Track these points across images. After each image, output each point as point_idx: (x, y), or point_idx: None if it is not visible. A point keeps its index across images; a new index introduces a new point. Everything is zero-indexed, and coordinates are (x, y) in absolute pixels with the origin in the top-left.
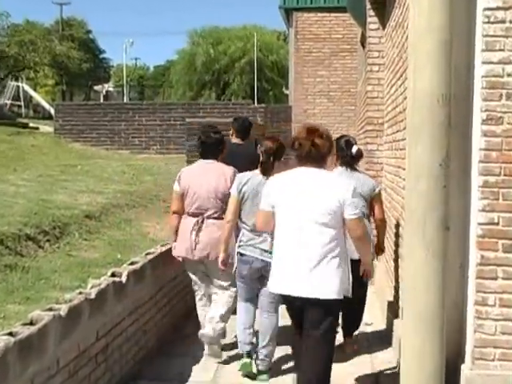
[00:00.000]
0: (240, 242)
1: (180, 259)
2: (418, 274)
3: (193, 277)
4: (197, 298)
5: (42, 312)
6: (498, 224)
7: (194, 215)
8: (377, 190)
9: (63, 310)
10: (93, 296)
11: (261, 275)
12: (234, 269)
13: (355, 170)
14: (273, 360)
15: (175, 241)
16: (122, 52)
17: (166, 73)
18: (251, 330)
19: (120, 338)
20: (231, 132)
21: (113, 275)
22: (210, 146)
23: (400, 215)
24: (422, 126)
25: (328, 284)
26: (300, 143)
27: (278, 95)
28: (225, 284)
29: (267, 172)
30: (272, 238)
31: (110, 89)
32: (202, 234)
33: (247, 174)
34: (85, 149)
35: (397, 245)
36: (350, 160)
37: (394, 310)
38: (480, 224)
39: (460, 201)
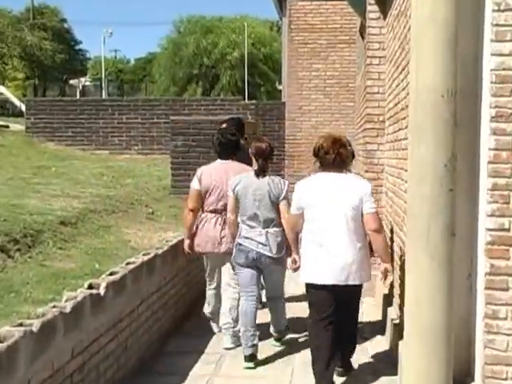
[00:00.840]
0: (239, 234)
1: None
2: (421, 285)
3: (212, 269)
4: (209, 287)
5: (12, 328)
6: (508, 230)
7: (216, 212)
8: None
9: (35, 325)
10: (68, 310)
11: (256, 266)
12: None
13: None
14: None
15: (189, 238)
16: (100, 43)
17: (149, 66)
18: (253, 331)
19: (98, 355)
20: None
21: (90, 287)
22: (227, 147)
23: (402, 221)
24: (426, 124)
25: (361, 271)
26: (326, 152)
27: (270, 91)
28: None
29: (261, 173)
30: (277, 233)
31: (87, 83)
32: (226, 230)
33: (240, 176)
34: (59, 149)
35: (398, 253)
36: None
37: (398, 328)
38: (489, 230)
39: (467, 205)
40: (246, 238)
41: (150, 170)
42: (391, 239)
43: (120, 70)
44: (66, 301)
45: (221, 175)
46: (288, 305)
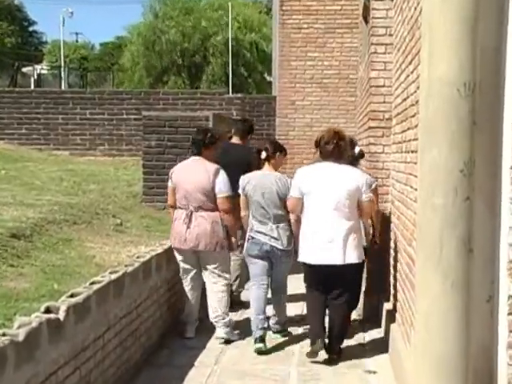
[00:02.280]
0: (251, 229)
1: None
2: (432, 310)
3: (184, 265)
4: (185, 285)
5: None
6: None
7: (183, 208)
8: (373, 186)
9: None
10: (21, 338)
11: (268, 257)
12: (230, 256)
13: (355, 166)
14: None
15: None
16: (59, 24)
17: (117, 53)
18: (263, 316)
19: None
20: (233, 132)
21: (47, 311)
22: (195, 144)
23: (411, 234)
24: (439, 123)
25: (354, 252)
26: (326, 142)
27: (258, 83)
28: (217, 269)
29: (274, 168)
30: (282, 226)
31: (44, 72)
32: (193, 226)
33: (249, 175)
34: (10, 148)
35: (406, 272)
36: (352, 159)
37: (406, 356)
38: None
39: (486, 216)
40: (259, 232)
41: (118, 174)
42: (395, 257)
43: (83, 57)
44: (19, 327)
45: (186, 172)
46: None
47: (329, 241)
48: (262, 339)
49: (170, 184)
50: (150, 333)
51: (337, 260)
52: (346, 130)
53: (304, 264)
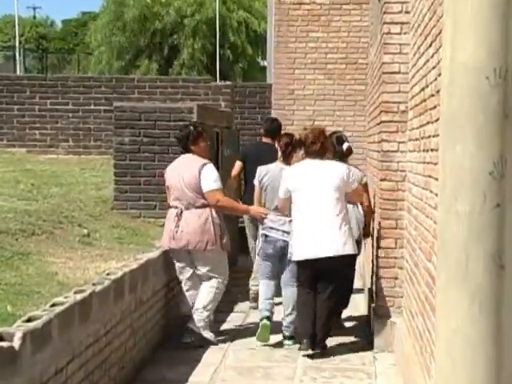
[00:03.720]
0: (264, 225)
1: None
2: (457, 335)
3: (178, 264)
4: (182, 284)
5: None
6: None
7: (174, 207)
8: (364, 180)
9: None
10: None
11: (282, 254)
12: (225, 257)
13: (345, 162)
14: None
15: None
16: None
17: (82, 32)
18: (271, 301)
19: None
20: (263, 132)
21: (0, 338)
22: (181, 142)
23: (431, 248)
24: (464, 116)
25: (345, 244)
26: (312, 142)
27: (249, 69)
28: (211, 272)
29: (286, 161)
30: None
31: None
32: (181, 224)
33: (267, 167)
34: None
35: (426, 293)
36: (340, 156)
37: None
38: None
39: None
40: (272, 228)
41: (84, 176)
42: (412, 274)
43: (41, 36)
44: None
45: (175, 170)
46: None
47: (318, 235)
48: (267, 318)
49: (166, 184)
50: (122, 364)
51: (328, 252)
52: (354, 124)
53: (298, 262)
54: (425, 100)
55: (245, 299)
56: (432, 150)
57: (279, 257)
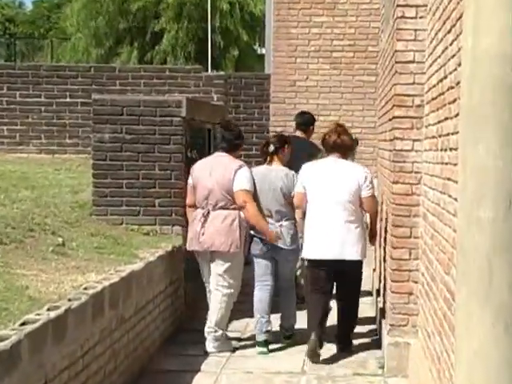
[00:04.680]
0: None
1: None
2: (480, 361)
3: (204, 270)
4: (207, 290)
5: None
6: None
7: (200, 207)
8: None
9: None
10: None
11: (272, 257)
12: (242, 265)
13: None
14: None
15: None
16: None
17: (55, 15)
18: (266, 318)
19: None
20: (295, 126)
21: None
22: (225, 140)
23: (450, 260)
24: (487, 111)
25: (356, 249)
26: (328, 135)
27: (244, 57)
28: (226, 274)
29: (270, 162)
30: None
31: None
32: (207, 225)
33: (255, 170)
34: None
35: (445, 310)
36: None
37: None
38: None
39: None
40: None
41: (59, 178)
42: (428, 289)
43: (9, 20)
44: None
45: (208, 169)
46: None
47: (335, 236)
48: (265, 343)
49: (190, 181)
50: None
51: (334, 255)
52: (363, 120)
53: (308, 261)
54: (443, 93)
55: (241, 316)
56: (451, 149)
57: (270, 258)
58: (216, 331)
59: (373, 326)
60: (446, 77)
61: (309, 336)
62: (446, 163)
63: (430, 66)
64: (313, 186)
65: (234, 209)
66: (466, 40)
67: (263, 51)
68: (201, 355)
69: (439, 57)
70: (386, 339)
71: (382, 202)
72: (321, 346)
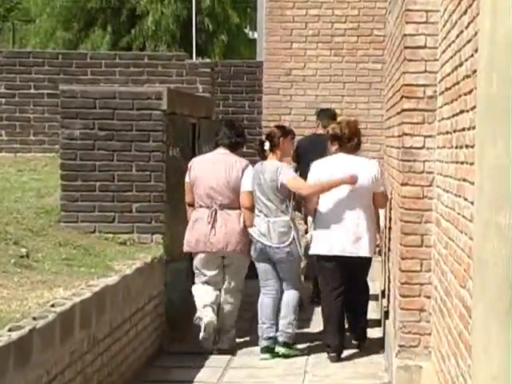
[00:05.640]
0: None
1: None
2: (499, 381)
3: (208, 273)
4: (197, 281)
5: None
6: None
7: (206, 207)
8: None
9: None
10: None
11: (269, 259)
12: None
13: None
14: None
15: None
16: None
17: None
18: (269, 324)
19: None
20: (316, 124)
21: None
22: (230, 138)
23: (466, 271)
24: (506, 103)
25: (368, 245)
26: (349, 137)
27: (234, 42)
28: (238, 275)
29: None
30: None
31: None
32: (219, 225)
33: (258, 164)
34: None
35: (460, 329)
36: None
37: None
38: None
39: None
40: (253, 226)
41: (22, 180)
42: (441, 304)
43: None
44: None
45: (211, 166)
46: None
47: (349, 232)
48: (268, 349)
49: (187, 179)
50: None
51: (360, 251)
52: (368, 113)
53: (321, 258)
54: (458, 82)
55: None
56: (467, 146)
57: (266, 260)
58: (230, 332)
59: (380, 349)
60: (461, 64)
61: (329, 351)
62: (462, 162)
63: (444, 51)
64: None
65: (240, 208)
66: (483, 22)
67: (255, 35)
68: (186, 381)
69: (454, 42)
70: (394, 362)
71: (391, 209)
72: (342, 352)
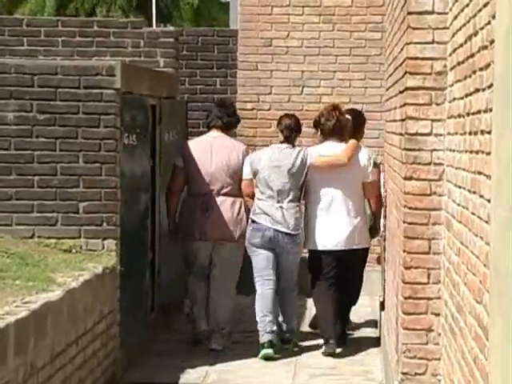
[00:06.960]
0: (254, 211)
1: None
2: None
3: (198, 261)
4: (192, 287)
5: None
6: None
7: (200, 194)
8: (379, 159)
9: None
10: None
11: (273, 249)
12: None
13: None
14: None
15: (174, 225)
16: None
17: None
18: (271, 317)
19: None
20: None
21: None
22: (223, 118)
23: (481, 283)
24: None
25: (364, 236)
26: (327, 119)
27: (202, 7)
28: (231, 264)
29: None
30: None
31: None
32: (214, 213)
33: (262, 151)
34: None
35: (475, 352)
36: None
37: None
38: None
39: None
40: (261, 213)
41: None
42: (453, 322)
43: None
44: None
45: (208, 150)
46: None
47: (339, 223)
48: (270, 344)
49: (179, 164)
50: None
51: (350, 243)
52: (365, 92)
53: (313, 252)
54: (472, 55)
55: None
56: (483, 131)
57: (271, 249)
58: (223, 329)
59: (379, 375)
60: (476, 33)
61: (326, 340)
62: (477, 151)
63: (455, 17)
64: (314, 173)
65: (238, 195)
66: None
67: None
68: None
69: (467, 5)
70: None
71: (392, 207)
72: (339, 346)
